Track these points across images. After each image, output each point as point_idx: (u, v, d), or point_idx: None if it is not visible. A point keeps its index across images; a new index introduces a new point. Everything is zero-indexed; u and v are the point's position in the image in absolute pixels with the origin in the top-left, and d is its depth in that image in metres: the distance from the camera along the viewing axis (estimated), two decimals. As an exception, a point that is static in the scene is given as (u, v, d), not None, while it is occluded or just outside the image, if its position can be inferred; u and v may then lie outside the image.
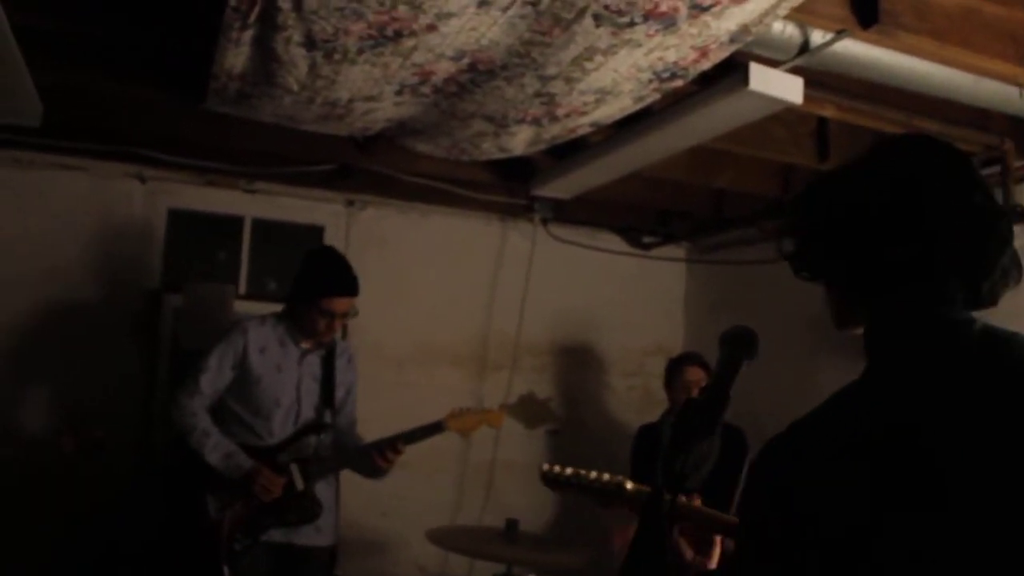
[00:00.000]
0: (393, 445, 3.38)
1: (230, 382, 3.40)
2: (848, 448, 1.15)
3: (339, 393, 3.55)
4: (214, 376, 3.37)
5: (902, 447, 1.10)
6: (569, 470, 2.15)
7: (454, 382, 4.68)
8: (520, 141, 3.39)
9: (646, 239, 5.30)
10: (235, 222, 4.56)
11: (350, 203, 4.71)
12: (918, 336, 1.21)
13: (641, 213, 5.03)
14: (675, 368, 3.91)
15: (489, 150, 3.54)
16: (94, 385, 4.15)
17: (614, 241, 5.25)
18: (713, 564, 1.56)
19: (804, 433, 1.23)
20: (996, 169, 3.40)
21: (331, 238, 4.60)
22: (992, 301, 1.25)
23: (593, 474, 2.02)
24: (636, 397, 5.11)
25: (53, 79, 3.10)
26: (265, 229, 4.59)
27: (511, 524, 3.52)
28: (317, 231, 4.64)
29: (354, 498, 4.13)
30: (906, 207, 1.20)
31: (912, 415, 1.13)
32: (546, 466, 2.58)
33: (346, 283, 3.41)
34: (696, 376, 3.78)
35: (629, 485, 1.85)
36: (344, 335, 4.32)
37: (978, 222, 1.21)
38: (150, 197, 4.37)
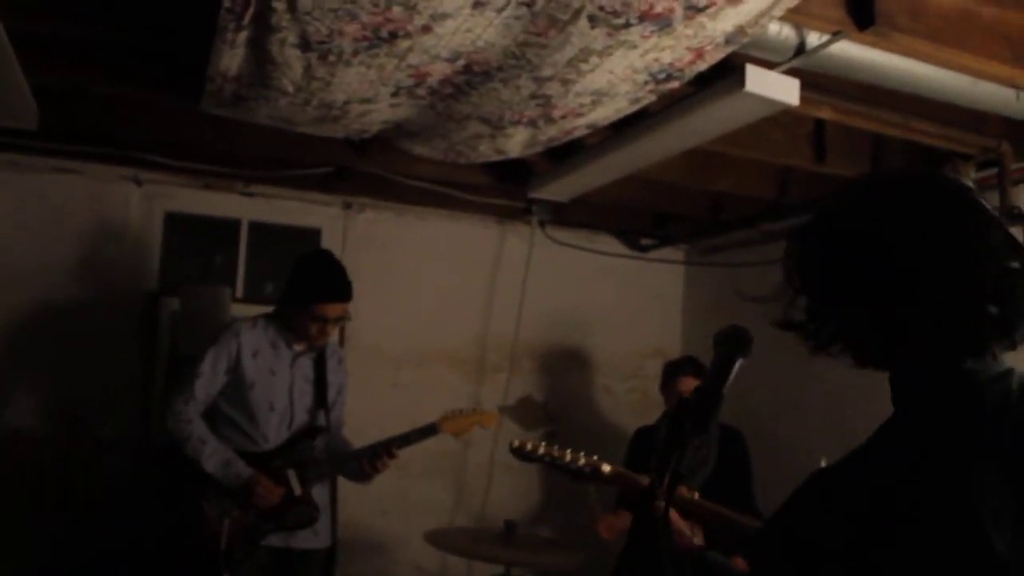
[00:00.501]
0: (387, 450, 3.37)
1: (223, 386, 3.38)
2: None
3: (330, 393, 3.53)
4: (208, 381, 3.35)
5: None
6: (542, 447, 2.17)
7: (452, 384, 4.67)
8: (516, 143, 3.38)
9: (644, 241, 5.29)
10: (232, 225, 4.55)
11: (347, 206, 4.71)
12: (940, 396, 1.16)
13: (639, 215, 5.03)
14: (671, 375, 3.90)
15: (485, 152, 3.54)
16: (92, 387, 4.15)
17: (612, 243, 5.25)
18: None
19: (827, 482, 1.20)
20: (993, 171, 3.41)
21: (328, 241, 4.59)
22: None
23: (569, 454, 2.04)
24: (634, 400, 5.11)
25: (49, 82, 3.10)
26: (262, 232, 4.59)
27: (510, 525, 3.52)
28: (314, 234, 4.64)
29: (353, 499, 4.14)
30: (934, 259, 1.15)
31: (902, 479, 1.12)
32: (516, 442, 2.58)
33: (339, 289, 3.39)
34: (690, 387, 3.77)
35: (606, 467, 1.87)
36: (341, 338, 4.33)
37: (1000, 264, 1.16)
38: (147, 200, 4.36)
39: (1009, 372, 1.15)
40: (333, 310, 3.36)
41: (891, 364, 1.23)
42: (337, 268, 3.46)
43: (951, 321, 1.15)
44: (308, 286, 3.38)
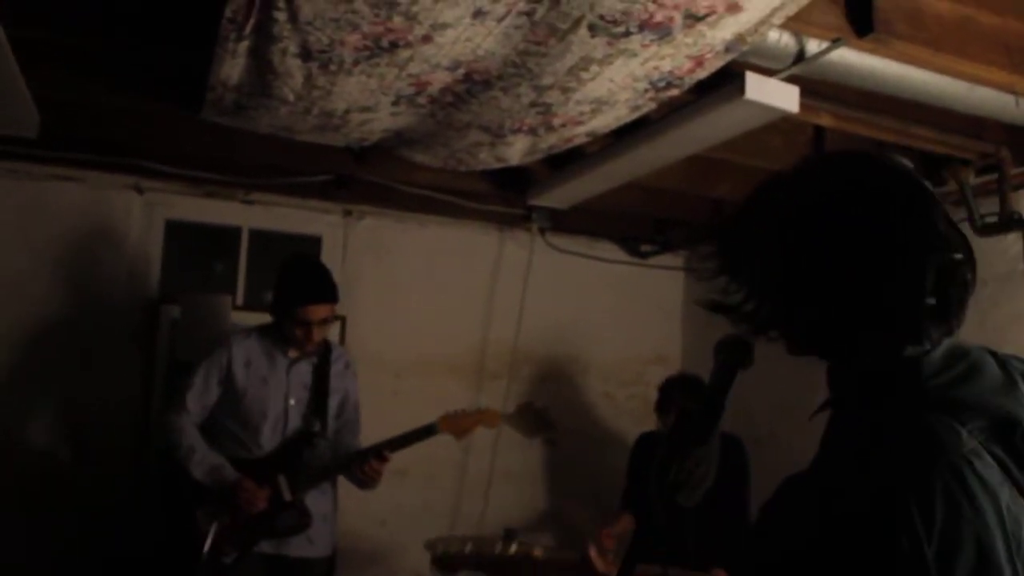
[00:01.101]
0: (378, 453, 3.34)
1: (218, 398, 3.39)
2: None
3: (333, 400, 3.52)
4: (200, 392, 3.37)
5: None
6: (467, 547, 1.97)
7: (452, 391, 4.67)
8: (516, 151, 3.39)
9: (644, 248, 5.30)
10: (232, 233, 4.55)
11: (347, 213, 4.71)
12: (881, 383, 1.17)
13: (639, 222, 5.03)
14: (668, 397, 3.89)
15: (486, 160, 3.54)
16: (92, 395, 4.15)
17: (612, 250, 5.25)
18: None
19: (790, 488, 1.20)
20: (993, 177, 3.42)
21: (328, 248, 4.60)
22: (959, 324, 1.20)
23: (497, 547, 1.90)
24: (635, 406, 5.11)
25: (50, 90, 3.10)
26: (262, 240, 4.59)
27: (509, 533, 3.51)
28: (315, 241, 4.64)
29: (352, 507, 4.12)
30: (879, 246, 1.15)
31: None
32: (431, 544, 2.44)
33: (320, 290, 3.38)
34: None
35: (537, 551, 1.79)
36: (341, 343, 4.33)
37: (943, 254, 1.16)
38: (148, 208, 4.37)
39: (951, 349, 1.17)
40: (316, 312, 3.34)
41: (827, 353, 1.23)
42: (318, 270, 3.46)
43: (891, 310, 1.15)
44: (289, 290, 3.38)
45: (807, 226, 1.19)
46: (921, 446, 1.08)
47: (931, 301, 1.15)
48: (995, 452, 1.10)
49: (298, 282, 3.40)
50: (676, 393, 3.84)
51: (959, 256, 1.17)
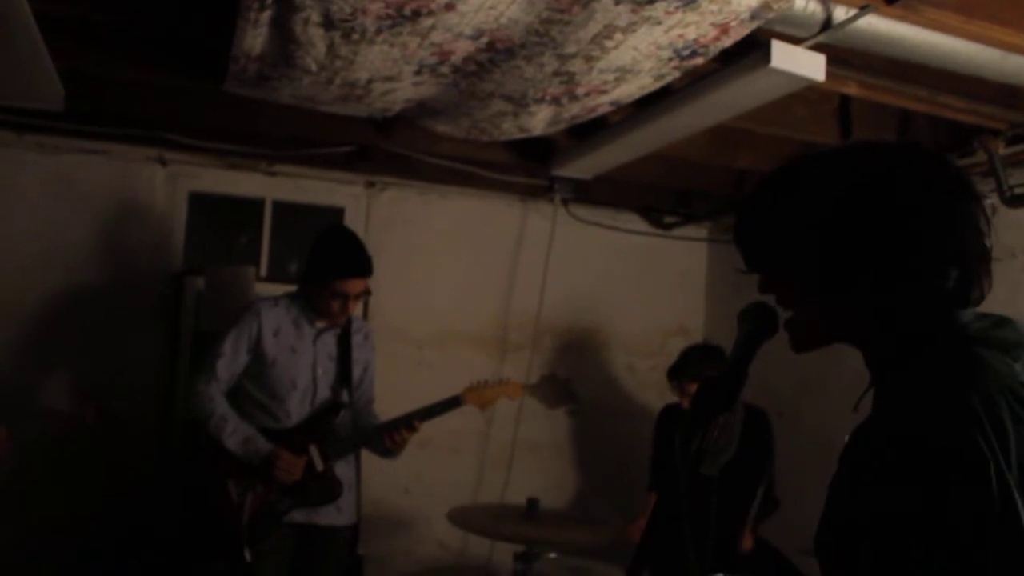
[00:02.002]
0: (408, 423, 3.37)
1: (246, 365, 3.41)
2: None
3: (356, 371, 3.54)
4: (229, 361, 3.37)
5: None
6: None
7: (475, 363, 4.68)
8: (540, 121, 3.37)
9: (667, 219, 5.27)
10: (256, 205, 4.57)
11: (370, 184, 4.72)
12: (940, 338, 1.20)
13: (662, 193, 5.01)
14: (685, 363, 3.88)
15: (509, 130, 3.53)
16: (117, 367, 4.20)
17: (635, 221, 5.23)
18: None
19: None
20: (1023, 147, 3.36)
21: (351, 220, 4.61)
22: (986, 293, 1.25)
23: None
24: (657, 378, 5.07)
25: (75, 65, 3.11)
26: (286, 211, 4.61)
27: (532, 503, 3.53)
28: (337, 213, 4.65)
29: (376, 477, 4.17)
30: (932, 231, 1.20)
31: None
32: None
33: (359, 264, 3.39)
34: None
35: None
36: (365, 315, 4.35)
37: (980, 240, 1.23)
38: (171, 180, 4.39)
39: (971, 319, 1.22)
40: (354, 286, 3.36)
41: (861, 331, 1.26)
42: (356, 243, 3.46)
43: (935, 286, 1.20)
44: (328, 262, 3.39)
45: (856, 204, 1.22)
46: (973, 370, 1.12)
47: (962, 274, 1.20)
48: None
49: (337, 254, 3.40)
50: (694, 362, 3.83)
51: (989, 243, 1.23)
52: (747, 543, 3.71)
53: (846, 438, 1.20)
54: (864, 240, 1.21)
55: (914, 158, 1.26)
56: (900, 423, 1.10)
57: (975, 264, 1.21)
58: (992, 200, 1.09)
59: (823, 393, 4.17)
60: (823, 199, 1.25)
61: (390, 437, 3.38)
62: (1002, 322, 1.21)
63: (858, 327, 1.27)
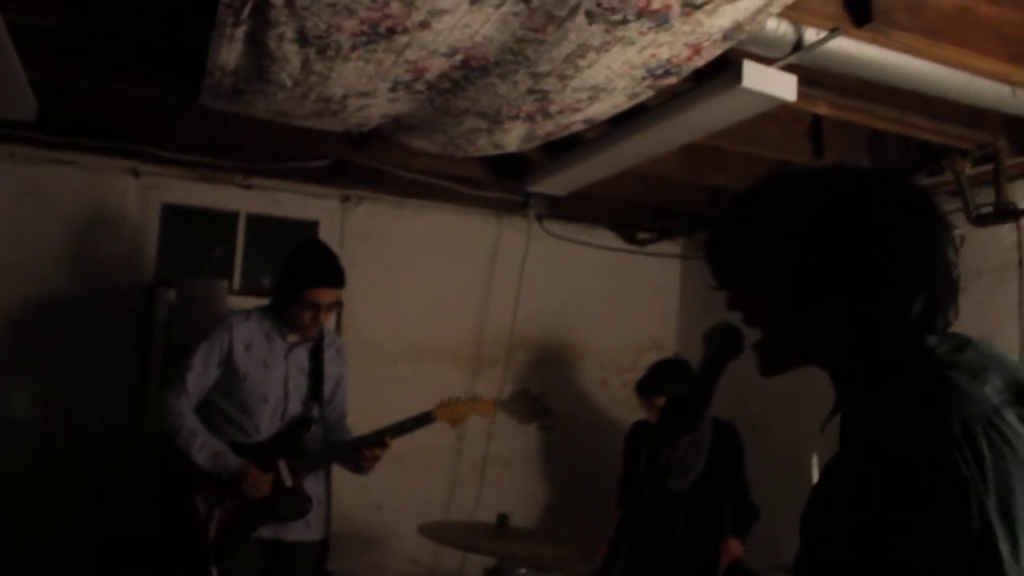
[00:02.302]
0: (380, 439, 3.37)
1: (217, 379, 3.39)
2: None
3: (328, 385, 3.53)
4: (200, 374, 3.35)
5: None
6: None
7: (448, 378, 4.68)
8: (514, 138, 3.38)
9: (641, 235, 5.30)
10: (230, 217, 4.55)
11: (345, 199, 4.71)
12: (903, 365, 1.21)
13: (636, 210, 5.03)
14: (654, 378, 3.90)
15: (483, 147, 3.54)
16: (88, 379, 4.16)
17: (609, 237, 5.26)
18: None
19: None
20: (989, 167, 3.42)
21: (326, 233, 4.59)
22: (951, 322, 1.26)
23: None
24: (630, 393, 5.05)
25: (47, 75, 3.09)
26: (260, 224, 4.59)
27: (502, 519, 3.53)
28: (312, 226, 4.64)
29: (347, 492, 4.14)
30: (903, 256, 1.21)
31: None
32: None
33: (330, 274, 3.39)
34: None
35: None
36: (338, 330, 4.33)
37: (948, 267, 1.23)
38: (144, 192, 4.37)
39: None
40: (325, 296, 3.36)
41: (831, 353, 1.26)
42: (328, 255, 3.46)
43: (904, 310, 1.20)
44: (299, 273, 3.38)
45: (828, 224, 1.22)
46: (951, 395, 1.12)
47: (929, 300, 1.21)
48: (1016, 410, 1.15)
49: (309, 265, 3.41)
50: (663, 377, 3.84)
51: (956, 273, 1.24)
52: (733, 550, 3.71)
53: (813, 457, 1.21)
54: (834, 260, 1.21)
55: (888, 183, 1.27)
56: (883, 450, 1.10)
57: (942, 292, 1.23)
58: (961, 230, 1.10)
59: (794, 408, 4.20)
60: (796, 218, 1.25)
61: (361, 454, 3.37)
62: (964, 344, 1.22)
63: (826, 348, 1.28)
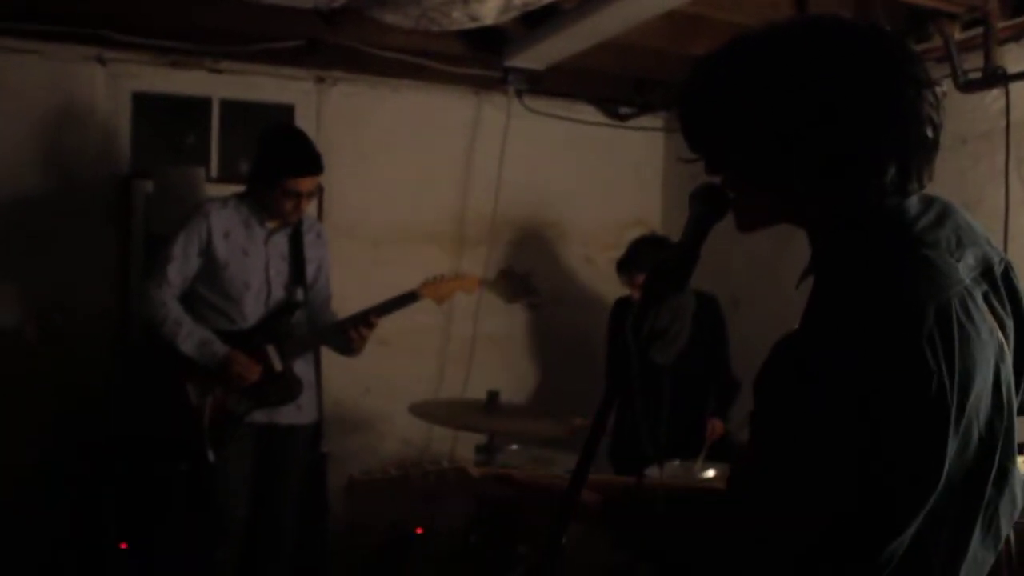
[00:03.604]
0: (365, 319, 3.38)
1: (198, 268, 3.37)
2: None
3: (310, 269, 3.53)
4: (180, 264, 3.33)
5: None
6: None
7: (431, 259, 4.66)
8: (491, 8, 3.28)
9: (623, 110, 5.22)
10: (203, 103, 4.43)
11: (320, 80, 4.59)
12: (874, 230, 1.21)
13: (618, 83, 4.93)
14: (634, 254, 3.88)
15: (459, 19, 3.43)
16: (67, 275, 4.11)
17: (590, 112, 5.17)
18: None
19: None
20: (979, 31, 3.34)
21: (302, 117, 4.50)
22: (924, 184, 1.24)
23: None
24: (614, 270, 5.13)
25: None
26: (234, 109, 4.47)
27: (492, 396, 3.57)
28: (287, 110, 4.53)
29: (337, 376, 4.19)
30: (873, 114, 1.18)
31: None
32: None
33: (310, 162, 3.34)
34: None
35: (473, 470, 1.69)
36: (319, 214, 4.30)
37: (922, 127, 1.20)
38: (112, 81, 4.23)
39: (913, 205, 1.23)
40: (305, 184, 3.32)
41: (805, 211, 1.27)
42: (305, 141, 3.41)
43: (875, 162, 1.19)
44: (278, 161, 3.33)
45: (795, 85, 1.20)
46: (927, 276, 1.12)
47: (901, 166, 1.20)
48: (982, 288, 1.18)
49: (287, 153, 3.36)
50: (645, 253, 3.84)
51: (931, 134, 1.21)
52: (717, 429, 3.79)
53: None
54: (799, 130, 1.19)
55: (856, 38, 1.22)
56: (853, 329, 1.09)
57: (916, 155, 1.20)
58: (944, 87, 1.06)
59: (776, 280, 4.23)
60: (764, 80, 1.23)
61: (355, 332, 3.38)
62: (942, 216, 1.22)
63: (799, 211, 1.28)
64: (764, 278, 4.29)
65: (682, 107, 1.34)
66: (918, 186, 1.22)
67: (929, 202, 1.24)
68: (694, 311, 3.45)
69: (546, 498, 1.49)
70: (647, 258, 3.77)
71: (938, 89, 1.23)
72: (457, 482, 1.63)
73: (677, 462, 3.46)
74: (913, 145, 1.20)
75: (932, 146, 1.22)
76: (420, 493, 1.68)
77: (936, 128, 1.21)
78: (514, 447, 3.71)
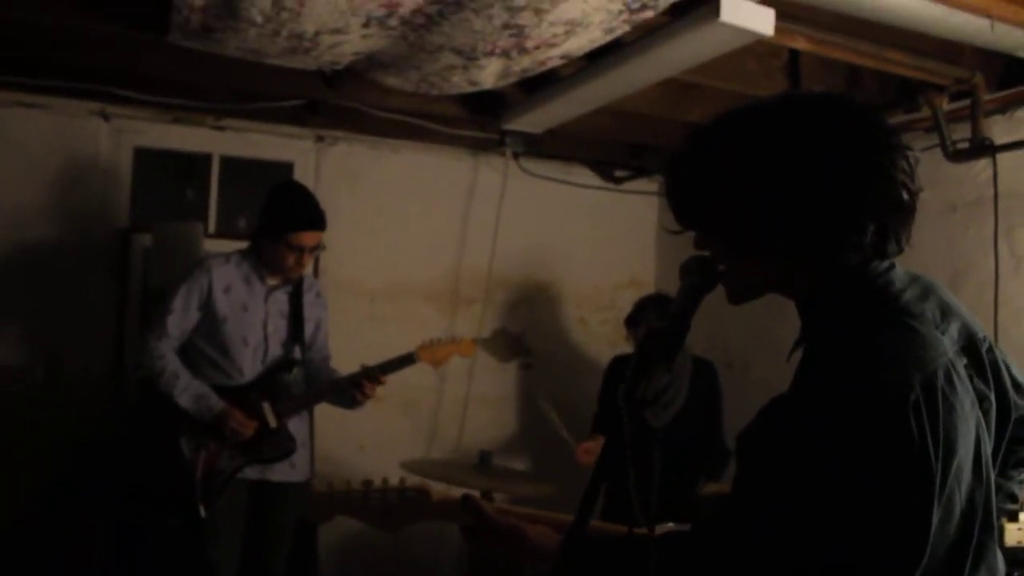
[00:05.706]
0: (372, 376, 3.39)
1: (197, 322, 3.38)
2: None
3: (308, 328, 3.54)
4: (180, 317, 3.35)
5: None
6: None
7: (427, 317, 4.69)
8: (490, 74, 3.34)
9: (618, 173, 5.29)
10: (203, 160, 4.49)
11: (320, 139, 4.66)
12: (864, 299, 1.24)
13: (613, 147, 5.01)
14: (640, 312, 3.91)
15: (459, 84, 3.50)
16: (65, 325, 4.12)
17: (586, 175, 5.24)
18: None
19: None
20: (966, 103, 3.42)
21: (301, 174, 4.55)
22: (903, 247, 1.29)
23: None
24: (608, 331, 5.15)
25: (9, 11, 3.01)
26: (234, 166, 4.53)
27: (484, 456, 3.56)
28: (286, 168, 4.59)
29: (329, 433, 4.17)
30: (850, 185, 1.22)
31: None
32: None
33: (314, 217, 3.38)
34: None
35: (436, 490, 1.74)
36: (316, 271, 4.32)
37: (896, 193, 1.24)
38: (115, 135, 4.29)
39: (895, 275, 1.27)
40: (309, 239, 3.35)
41: (794, 281, 1.30)
42: (310, 197, 3.46)
43: (851, 238, 1.23)
44: (283, 216, 3.37)
45: (778, 152, 1.24)
46: (914, 346, 1.14)
47: (879, 228, 1.23)
48: (963, 360, 1.20)
49: (292, 207, 3.40)
50: (648, 310, 3.87)
51: (907, 197, 1.25)
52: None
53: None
54: (782, 196, 1.23)
55: (833, 111, 1.27)
56: (842, 397, 1.11)
57: (893, 218, 1.24)
58: (918, 153, 1.10)
59: (773, 347, 4.24)
60: (742, 154, 1.27)
61: (362, 389, 3.38)
62: (928, 290, 1.26)
63: (785, 281, 1.31)
64: (759, 341, 4.30)
65: (672, 175, 1.39)
66: (897, 248, 1.26)
67: (914, 278, 1.28)
68: (691, 376, 3.47)
69: (513, 540, 1.49)
70: (651, 314, 3.81)
71: (911, 155, 1.27)
72: (417, 502, 1.67)
73: (670, 525, 3.43)
74: (889, 207, 1.23)
75: (909, 209, 1.25)
76: (379, 510, 1.71)
77: (912, 192, 1.25)
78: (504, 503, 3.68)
